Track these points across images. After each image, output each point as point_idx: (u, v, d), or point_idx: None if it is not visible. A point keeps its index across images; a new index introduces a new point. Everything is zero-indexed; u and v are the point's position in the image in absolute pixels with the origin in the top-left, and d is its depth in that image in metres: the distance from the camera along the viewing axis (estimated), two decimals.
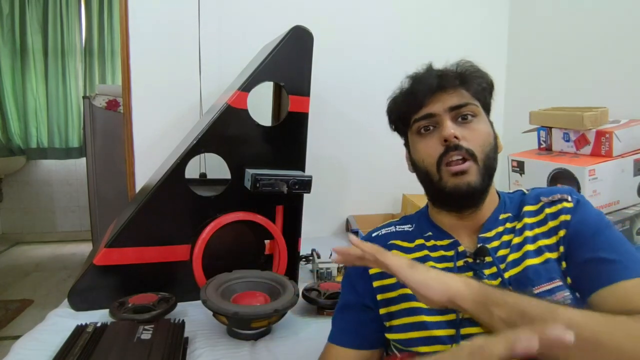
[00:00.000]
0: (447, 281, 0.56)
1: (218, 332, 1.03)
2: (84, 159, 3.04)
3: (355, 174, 1.96)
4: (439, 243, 0.70)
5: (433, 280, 0.56)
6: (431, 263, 0.68)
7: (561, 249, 0.64)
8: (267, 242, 1.29)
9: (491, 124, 0.70)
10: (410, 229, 0.76)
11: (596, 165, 1.18)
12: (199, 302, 0.99)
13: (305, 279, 1.38)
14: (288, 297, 1.01)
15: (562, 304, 0.54)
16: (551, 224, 0.66)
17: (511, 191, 0.76)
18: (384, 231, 0.77)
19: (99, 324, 0.96)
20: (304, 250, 1.43)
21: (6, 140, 3.57)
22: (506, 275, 0.63)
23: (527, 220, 0.68)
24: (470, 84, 0.68)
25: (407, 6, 1.92)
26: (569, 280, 0.62)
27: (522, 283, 0.62)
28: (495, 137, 0.69)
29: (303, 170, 1.30)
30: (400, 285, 0.68)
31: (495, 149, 0.68)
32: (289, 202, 1.29)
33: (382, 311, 0.70)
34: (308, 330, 1.06)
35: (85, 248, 3.32)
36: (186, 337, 0.98)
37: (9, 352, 0.92)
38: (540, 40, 1.84)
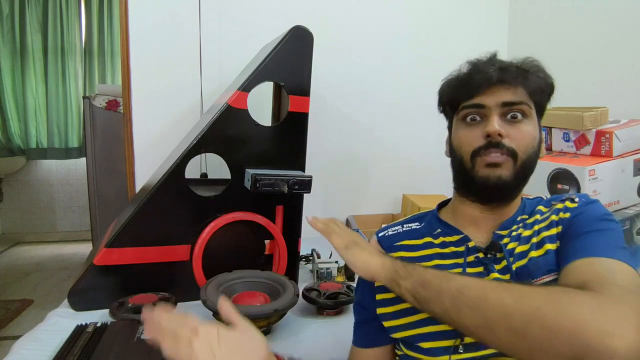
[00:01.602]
0: (369, 263, 0.64)
1: None
2: (84, 159, 3.04)
3: (355, 174, 1.96)
4: (448, 239, 0.71)
5: (359, 262, 0.65)
6: (438, 261, 0.69)
7: (559, 242, 0.64)
8: (267, 242, 1.29)
9: (540, 128, 0.69)
10: (418, 227, 0.76)
11: (596, 165, 1.18)
12: (199, 302, 0.99)
13: (305, 279, 1.38)
14: (288, 297, 1.01)
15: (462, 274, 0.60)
16: (553, 217, 0.66)
17: (531, 197, 0.76)
18: (390, 232, 0.78)
19: (99, 324, 0.96)
20: (304, 250, 1.43)
21: (6, 140, 3.57)
22: (513, 267, 0.64)
23: (537, 216, 0.68)
24: (530, 83, 0.66)
25: (407, 6, 1.92)
26: None
27: (523, 275, 0.63)
28: (540, 142, 0.68)
29: (303, 170, 1.30)
30: (400, 300, 0.68)
31: (537, 153, 0.67)
32: (289, 202, 1.29)
33: (378, 311, 0.72)
34: (308, 330, 1.06)
35: (85, 248, 3.32)
36: None
37: (9, 352, 0.92)
38: (540, 40, 1.84)
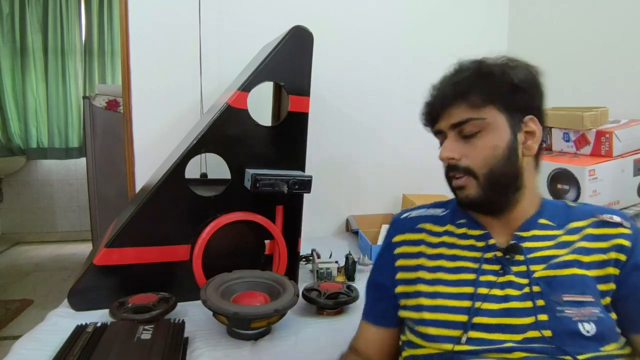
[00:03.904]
0: None
1: (218, 332, 1.03)
2: (84, 159, 3.04)
3: (355, 174, 1.96)
4: (470, 232, 0.71)
5: None
6: (456, 251, 0.70)
7: (610, 270, 0.63)
8: (267, 242, 1.29)
9: (510, 128, 0.66)
10: (442, 214, 0.77)
11: (596, 165, 1.18)
12: (199, 302, 0.99)
13: (305, 279, 1.38)
14: (288, 297, 1.01)
15: None
16: (602, 244, 0.65)
17: (554, 199, 0.76)
18: (414, 214, 0.79)
19: (99, 324, 0.96)
20: (304, 250, 1.43)
21: (6, 140, 3.57)
22: (537, 275, 0.64)
23: (574, 236, 0.67)
24: (475, 93, 0.65)
25: (407, 6, 1.92)
26: (605, 300, 0.62)
27: (553, 286, 0.62)
28: (509, 145, 0.65)
29: (303, 170, 1.30)
30: (419, 267, 0.71)
31: (505, 159, 0.65)
32: (289, 202, 1.29)
33: (398, 289, 0.73)
34: (308, 330, 1.06)
35: (85, 248, 3.32)
36: (186, 337, 0.98)
37: (9, 352, 0.92)
38: (540, 40, 1.84)
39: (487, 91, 0.65)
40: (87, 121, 2.40)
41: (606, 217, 0.67)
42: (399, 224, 0.79)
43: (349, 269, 1.36)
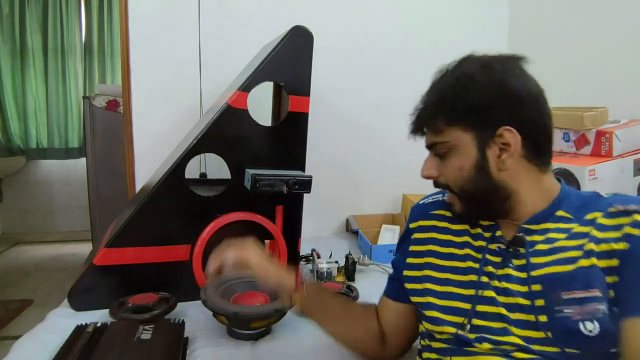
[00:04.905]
0: None
1: (218, 332, 1.03)
2: (84, 159, 3.04)
3: (355, 174, 1.96)
4: (481, 221, 0.72)
5: None
6: (467, 239, 0.71)
7: (615, 261, 0.57)
8: (267, 242, 1.29)
9: (482, 142, 0.64)
10: None
11: (596, 165, 1.18)
12: (199, 302, 0.99)
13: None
14: None
15: None
16: (613, 234, 0.58)
17: (586, 191, 0.70)
18: (430, 200, 0.81)
19: (99, 324, 0.96)
20: (304, 250, 1.43)
21: (6, 140, 3.57)
22: (538, 271, 0.61)
23: (587, 227, 0.61)
24: (434, 121, 0.67)
25: (407, 6, 1.92)
26: (611, 293, 0.56)
27: (554, 283, 0.59)
28: (478, 163, 0.64)
29: (303, 170, 1.30)
30: (428, 253, 0.74)
31: (475, 177, 0.65)
32: (289, 202, 1.29)
33: (405, 273, 0.77)
34: (308, 330, 1.05)
35: (85, 248, 3.31)
36: (186, 337, 0.98)
37: (9, 352, 0.92)
38: (541, 40, 1.84)
39: (445, 117, 0.66)
40: (87, 121, 2.41)
41: (621, 206, 0.60)
42: (415, 210, 0.82)
43: (349, 269, 1.36)
